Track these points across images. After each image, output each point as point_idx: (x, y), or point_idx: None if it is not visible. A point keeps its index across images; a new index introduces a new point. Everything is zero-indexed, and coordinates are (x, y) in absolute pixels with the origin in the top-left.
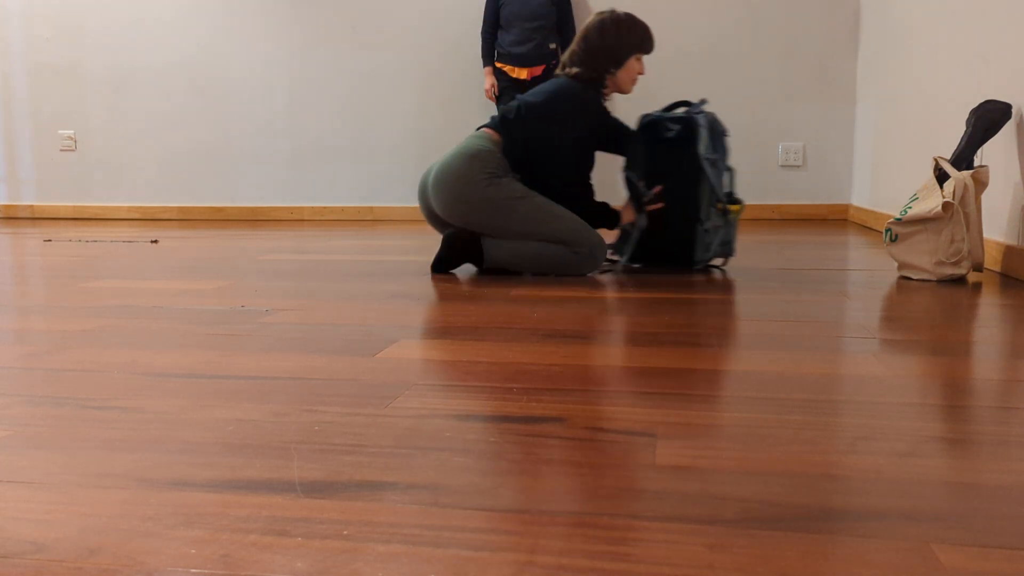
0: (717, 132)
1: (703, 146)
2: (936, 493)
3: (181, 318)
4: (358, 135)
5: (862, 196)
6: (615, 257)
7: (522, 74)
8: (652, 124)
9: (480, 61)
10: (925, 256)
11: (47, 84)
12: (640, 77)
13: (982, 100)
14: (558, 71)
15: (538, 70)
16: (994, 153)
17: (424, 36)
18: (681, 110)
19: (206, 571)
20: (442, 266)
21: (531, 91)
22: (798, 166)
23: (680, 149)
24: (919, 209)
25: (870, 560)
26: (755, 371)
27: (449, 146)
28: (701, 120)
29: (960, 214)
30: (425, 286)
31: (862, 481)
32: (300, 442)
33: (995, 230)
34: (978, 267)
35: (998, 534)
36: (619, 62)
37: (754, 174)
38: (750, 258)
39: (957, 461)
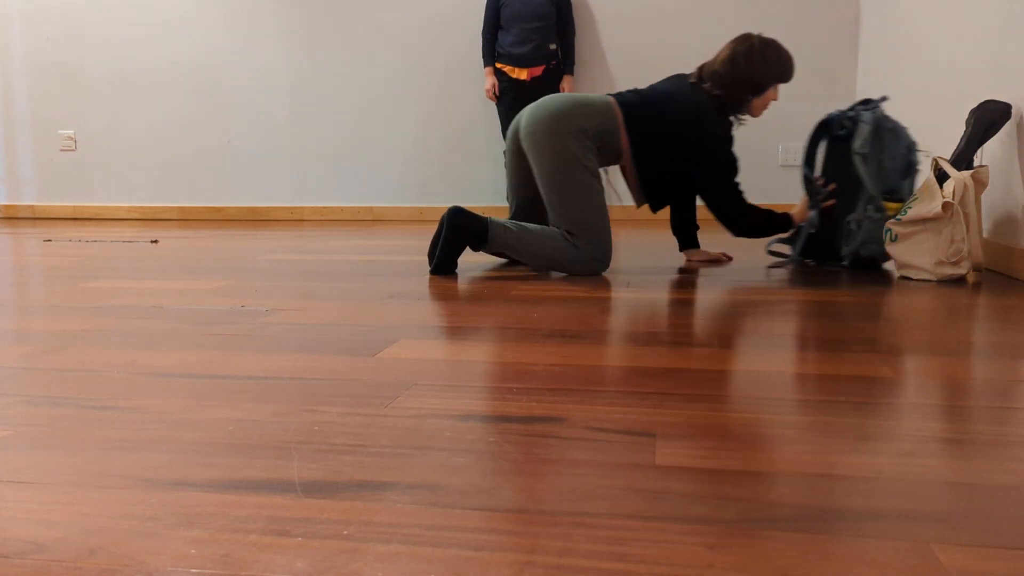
0: (883, 129)
1: (859, 141)
2: (936, 493)
3: (181, 318)
4: (358, 135)
5: None
6: (788, 252)
7: (522, 75)
8: (828, 122)
9: (481, 61)
10: (925, 256)
11: (47, 84)
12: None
13: (982, 100)
14: (692, 79)
15: (538, 71)
16: (994, 153)
17: (424, 36)
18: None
19: (206, 571)
20: (446, 252)
21: (660, 88)
22: (798, 166)
23: (848, 146)
24: (919, 209)
25: (870, 560)
26: (755, 371)
27: (449, 146)
28: (865, 116)
29: (960, 214)
30: (425, 286)
31: (862, 481)
32: (300, 442)
33: (995, 230)
34: (978, 267)
35: (998, 534)
36: (759, 90)
37: (754, 174)
38: (750, 258)
39: (957, 461)
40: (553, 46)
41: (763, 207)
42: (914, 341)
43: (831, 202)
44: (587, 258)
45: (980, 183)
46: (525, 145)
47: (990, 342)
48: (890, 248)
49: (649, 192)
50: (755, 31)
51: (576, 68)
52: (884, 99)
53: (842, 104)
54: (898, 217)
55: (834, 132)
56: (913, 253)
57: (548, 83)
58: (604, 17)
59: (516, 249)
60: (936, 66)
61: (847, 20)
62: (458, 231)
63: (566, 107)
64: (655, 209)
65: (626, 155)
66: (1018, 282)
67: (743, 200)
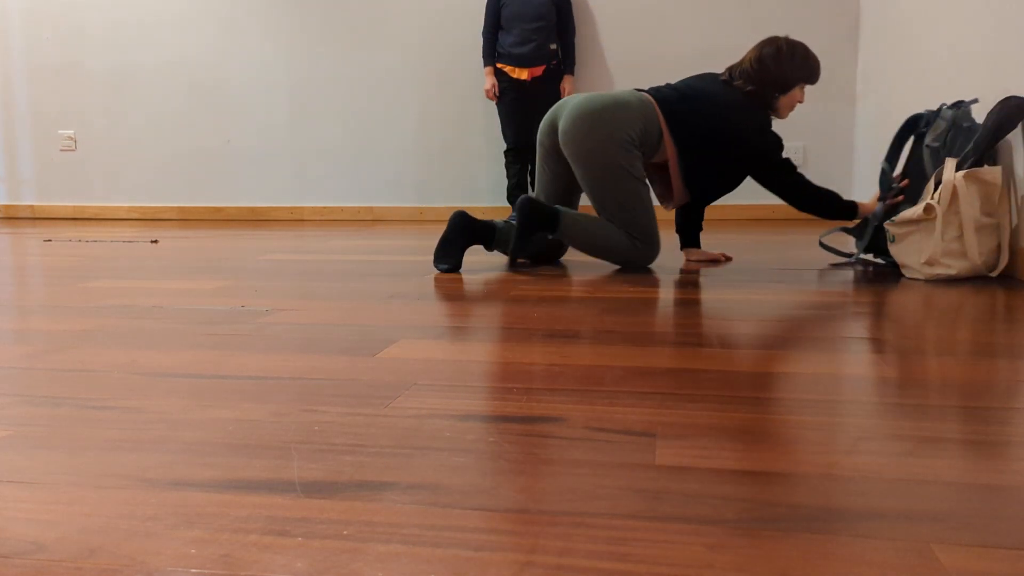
0: (961, 128)
1: (931, 136)
2: (936, 493)
3: (181, 318)
4: (358, 135)
5: (862, 196)
6: (844, 248)
7: (523, 75)
8: (916, 119)
9: (481, 61)
10: (915, 256)
11: (47, 84)
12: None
13: (977, 98)
14: (723, 78)
15: (538, 71)
16: (998, 152)
17: (425, 37)
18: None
19: (206, 571)
20: (520, 243)
21: (694, 85)
22: (798, 166)
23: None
24: (908, 211)
25: (870, 560)
26: (755, 371)
27: (449, 146)
28: (947, 114)
29: (950, 215)
30: (425, 286)
31: (862, 481)
32: (300, 442)
33: None
34: (978, 269)
35: (998, 534)
36: (786, 89)
37: None
38: (751, 258)
39: (957, 461)
40: (553, 46)
41: (826, 189)
42: (914, 341)
43: (900, 198)
44: (642, 255)
45: (983, 184)
46: (566, 151)
47: (991, 342)
48: (890, 248)
49: (695, 188)
50: (755, 31)
51: (576, 68)
52: (975, 100)
53: (840, 103)
54: (892, 219)
55: (919, 129)
56: (908, 253)
57: (548, 83)
58: (604, 17)
59: (579, 239)
60: (937, 66)
61: (847, 20)
62: (531, 221)
63: (607, 113)
64: (696, 205)
65: (669, 153)
66: (1019, 282)
67: (799, 174)
